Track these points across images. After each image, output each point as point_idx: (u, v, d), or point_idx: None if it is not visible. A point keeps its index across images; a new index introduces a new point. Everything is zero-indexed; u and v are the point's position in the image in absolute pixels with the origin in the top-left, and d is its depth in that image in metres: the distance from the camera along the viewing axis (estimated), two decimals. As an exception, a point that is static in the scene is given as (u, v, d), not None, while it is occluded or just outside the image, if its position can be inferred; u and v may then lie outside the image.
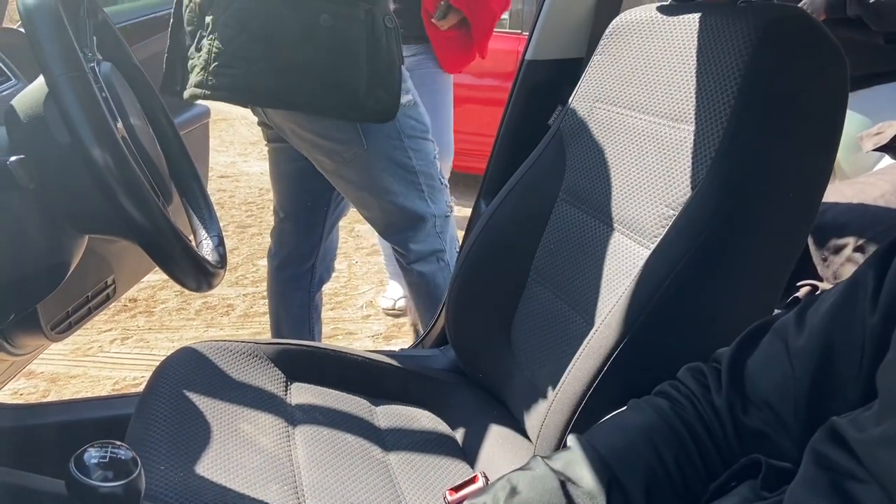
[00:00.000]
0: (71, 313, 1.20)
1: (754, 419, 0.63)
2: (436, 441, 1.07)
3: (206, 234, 1.09)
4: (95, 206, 0.87)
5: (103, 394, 2.02)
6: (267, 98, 1.32)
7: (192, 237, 1.08)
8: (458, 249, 1.54)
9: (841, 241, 1.23)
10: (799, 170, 0.83)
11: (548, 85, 1.31)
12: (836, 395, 0.56)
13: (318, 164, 1.45)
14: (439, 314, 1.41)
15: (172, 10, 1.40)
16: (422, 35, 2.35)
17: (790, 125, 0.82)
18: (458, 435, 1.09)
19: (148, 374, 1.06)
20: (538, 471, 0.66)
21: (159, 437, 0.91)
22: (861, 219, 1.23)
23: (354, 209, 2.22)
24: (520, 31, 3.68)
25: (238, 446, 0.93)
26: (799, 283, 1.28)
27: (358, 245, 3.20)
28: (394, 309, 2.54)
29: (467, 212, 1.62)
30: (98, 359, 2.21)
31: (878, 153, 1.42)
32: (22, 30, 0.82)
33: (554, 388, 0.90)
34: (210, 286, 0.92)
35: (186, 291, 0.95)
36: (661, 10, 0.97)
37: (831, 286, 1.17)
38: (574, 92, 1.08)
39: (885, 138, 1.36)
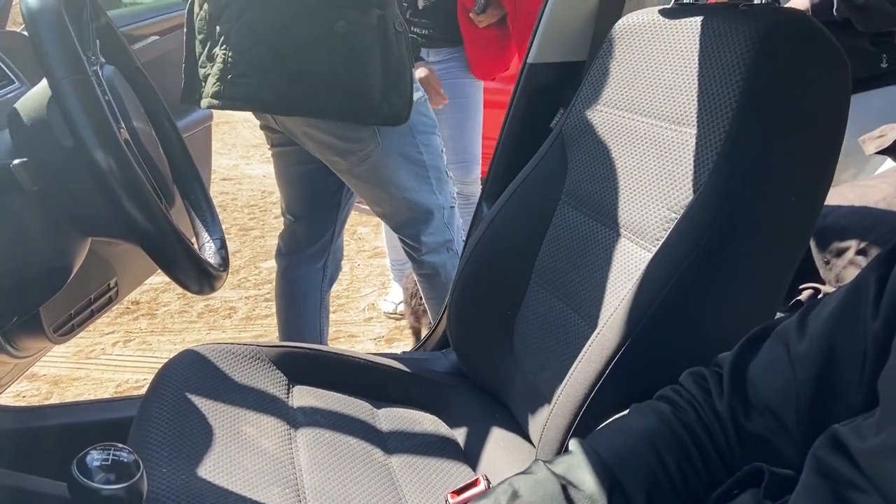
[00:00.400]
0: (73, 316, 1.20)
1: (756, 424, 0.63)
2: (437, 444, 1.07)
3: (208, 237, 1.09)
4: (98, 209, 0.87)
5: (106, 396, 2.02)
6: (283, 106, 1.33)
7: (194, 240, 1.08)
8: (463, 238, 1.55)
9: (843, 244, 1.22)
10: (801, 173, 0.83)
11: (550, 88, 1.31)
12: (838, 401, 0.56)
13: (332, 165, 1.46)
14: (441, 317, 1.41)
15: (185, 20, 1.41)
16: (453, 37, 2.24)
17: (792, 128, 0.82)
18: (460, 438, 1.09)
19: (150, 377, 1.06)
20: (540, 475, 0.65)
21: (161, 440, 0.91)
22: (863, 221, 1.23)
23: (355, 210, 2.23)
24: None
25: (240, 449, 0.93)
26: (801, 286, 1.27)
27: (360, 248, 3.20)
28: (395, 313, 2.54)
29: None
30: (100, 361, 2.22)
31: (867, 157, 1.42)
32: (25, 33, 0.82)
33: (555, 391, 0.90)
34: (212, 289, 0.92)
35: (189, 294, 0.95)
36: (663, 13, 0.97)
37: (833, 289, 1.17)
38: (576, 95, 1.08)
39: (887, 141, 1.35)
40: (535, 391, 1.01)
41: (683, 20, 0.92)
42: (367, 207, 1.85)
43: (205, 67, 1.36)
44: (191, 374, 1.04)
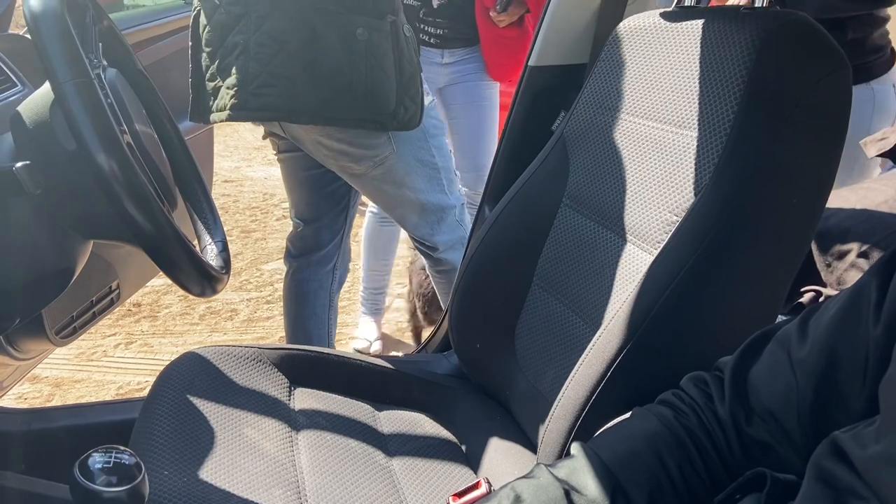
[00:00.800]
0: (75, 318, 1.20)
1: (758, 430, 0.63)
2: (439, 446, 1.07)
3: (210, 240, 1.09)
4: (100, 212, 0.87)
5: (107, 398, 2.02)
6: (308, 115, 1.32)
7: (196, 242, 1.08)
8: None
9: (845, 247, 1.22)
10: (803, 175, 0.83)
11: (551, 90, 1.31)
12: (839, 407, 0.56)
13: (344, 170, 1.46)
14: (442, 319, 1.41)
15: (190, 33, 1.40)
16: (468, 37, 2.19)
17: (793, 131, 0.82)
18: (462, 440, 1.09)
19: (152, 379, 1.06)
20: (542, 479, 0.65)
21: (163, 442, 0.91)
22: (865, 224, 1.23)
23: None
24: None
25: (241, 451, 0.93)
26: (803, 289, 1.27)
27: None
28: (369, 352, 2.27)
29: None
30: (102, 363, 2.22)
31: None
32: (28, 36, 0.82)
33: (557, 393, 0.90)
34: (214, 291, 0.92)
35: (190, 296, 0.95)
36: (665, 16, 0.97)
37: (835, 292, 1.17)
38: (577, 98, 1.08)
39: (888, 144, 1.35)
40: (537, 394, 1.01)
41: (684, 23, 0.92)
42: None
43: (214, 80, 1.35)
44: (192, 376, 1.04)
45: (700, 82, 0.87)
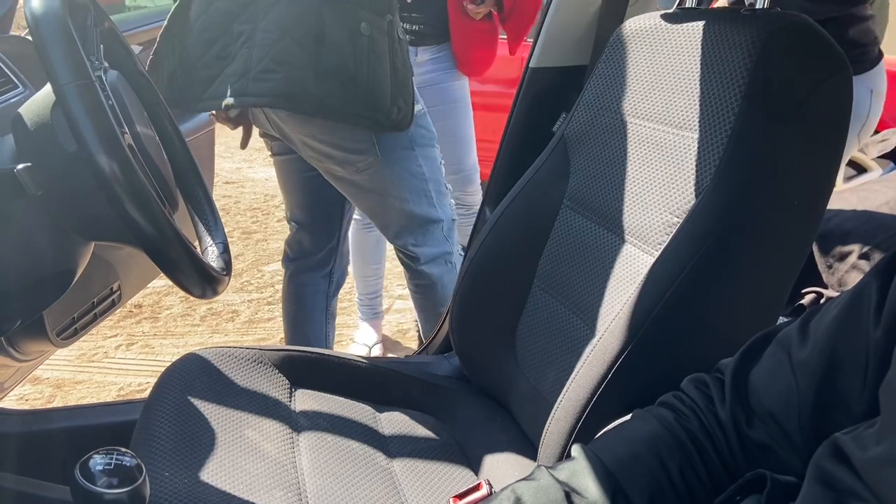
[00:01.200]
0: (76, 319, 1.20)
1: (759, 432, 0.63)
2: (440, 448, 1.07)
3: (211, 241, 1.09)
4: (101, 213, 0.87)
5: (108, 399, 2.02)
6: (308, 104, 1.31)
7: (197, 244, 1.08)
8: (461, 252, 1.55)
9: (846, 249, 1.23)
10: (803, 177, 0.83)
11: (552, 92, 1.31)
12: (840, 409, 0.56)
13: (329, 172, 1.45)
14: (443, 321, 1.41)
15: (172, 18, 1.37)
16: (441, 33, 2.17)
17: (794, 132, 0.82)
18: (463, 442, 1.09)
19: (153, 380, 1.06)
20: (543, 481, 0.65)
21: (164, 444, 0.91)
22: (866, 226, 1.23)
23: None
24: (525, 38, 3.68)
25: (242, 453, 0.93)
26: (804, 291, 1.27)
27: (362, 251, 3.20)
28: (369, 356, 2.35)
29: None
30: (103, 364, 2.22)
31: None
32: (29, 37, 0.82)
33: (558, 395, 0.90)
34: (215, 293, 0.92)
35: (191, 297, 0.95)
36: (666, 17, 0.97)
37: (836, 293, 1.17)
38: (578, 99, 1.08)
39: (890, 145, 1.35)
40: (538, 395, 1.01)
41: (685, 24, 0.92)
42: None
43: (210, 68, 1.33)
44: (193, 377, 1.04)
45: (701, 84, 0.87)
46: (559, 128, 1.19)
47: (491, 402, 1.15)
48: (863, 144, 1.50)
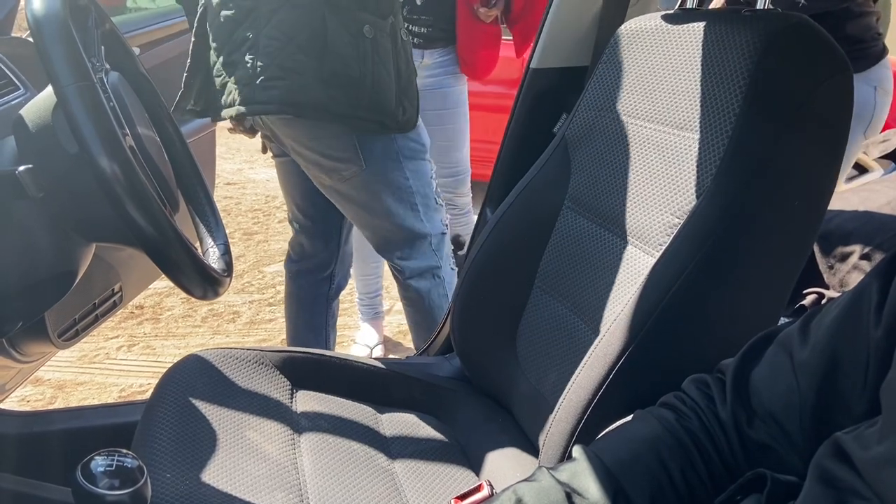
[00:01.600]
0: (78, 321, 1.21)
1: (760, 432, 0.63)
2: (441, 449, 1.07)
3: (212, 242, 1.09)
4: (103, 215, 0.87)
5: (110, 401, 2.02)
6: (315, 110, 1.31)
7: (198, 245, 1.08)
8: (453, 266, 1.54)
9: (847, 249, 1.23)
10: (804, 178, 0.83)
11: (553, 93, 1.31)
12: (840, 409, 0.56)
13: (316, 180, 1.46)
14: (444, 322, 1.41)
15: (195, 30, 1.39)
16: (449, 36, 2.16)
17: (795, 133, 0.82)
18: (464, 443, 1.09)
19: (154, 381, 1.06)
20: (544, 482, 0.65)
21: (165, 445, 0.91)
22: (867, 226, 1.23)
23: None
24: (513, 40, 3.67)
25: (243, 454, 0.93)
26: (805, 291, 1.27)
27: (363, 252, 3.20)
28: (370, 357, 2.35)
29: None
30: (105, 366, 2.22)
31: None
32: (30, 39, 0.83)
33: (559, 396, 0.90)
34: (216, 294, 0.92)
35: (193, 299, 0.95)
36: (666, 18, 0.97)
37: (837, 294, 1.17)
38: (579, 100, 1.08)
39: (891, 146, 1.35)
40: (539, 396, 1.01)
41: (686, 25, 0.92)
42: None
43: (221, 76, 1.34)
44: (194, 378, 1.04)
45: (702, 84, 0.87)
46: (560, 129, 1.19)
47: (492, 403, 1.15)
48: (865, 144, 1.50)
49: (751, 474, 0.59)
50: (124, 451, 0.70)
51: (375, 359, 1.24)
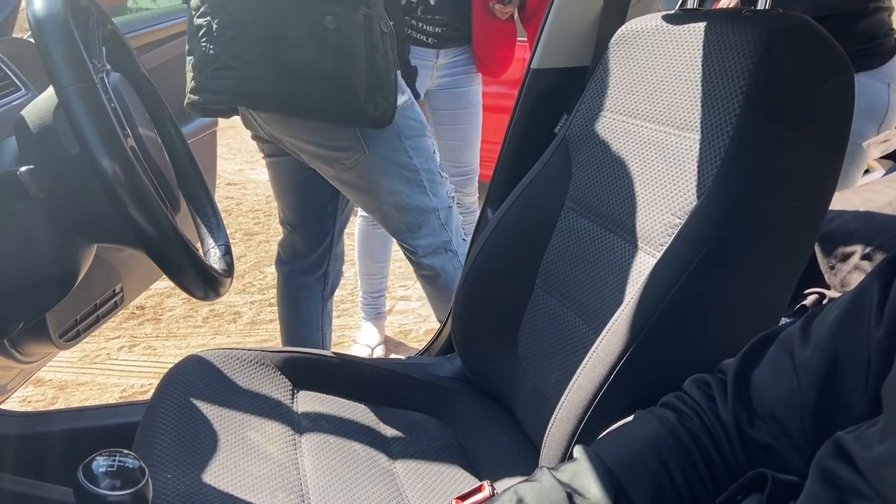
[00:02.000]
0: (79, 321, 1.21)
1: (761, 432, 0.63)
2: (442, 449, 1.07)
3: (213, 243, 1.09)
4: (104, 216, 0.87)
5: (111, 401, 2.02)
6: (268, 102, 1.29)
7: (199, 245, 1.08)
8: (464, 237, 1.54)
9: (848, 249, 1.22)
10: (805, 178, 0.83)
11: (553, 93, 1.31)
12: (842, 409, 0.56)
13: (321, 171, 1.45)
14: (445, 322, 1.41)
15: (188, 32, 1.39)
16: (465, 35, 2.15)
17: (796, 133, 0.82)
18: (465, 443, 1.09)
19: (155, 382, 1.06)
20: (545, 482, 0.65)
21: (166, 446, 0.91)
22: (868, 226, 1.23)
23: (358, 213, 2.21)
24: (527, 40, 3.68)
25: (245, 454, 0.93)
26: (806, 291, 1.27)
27: (364, 252, 3.20)
28: (371, 358, 2.28)
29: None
30: (106, 366, 2.22)
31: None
32: (31, 40, 0.83)
33: (560, 396, 0.90)
34: (217, 295, 0.92)
35: (194, 299, 0.95)
36: (667, 18, 0.97)
37: (838, 294, 1.16)
38: (580, 100, 1.08)
39: (892, 146, 1.35)
40: (540, 396, 1.01)
41: (687, 26, 0.92)
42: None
43: (186, 65, 1.32)
44: (196, 379, 1.04)
45: (703, 85, 0.87)
46: (561, 129, 1.19)
47: (493, 403, 1.15)
48: (867, 144, 1.49)
49: (752, 474, 0.59)
50: (125, 451, 0.70)
51: (376, 359, 1.24)
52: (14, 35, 1.33)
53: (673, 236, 0.84)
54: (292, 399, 1.09)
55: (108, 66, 0.99)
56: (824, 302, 1.23)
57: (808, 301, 1.25)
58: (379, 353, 2.32)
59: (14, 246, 0.89)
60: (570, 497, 0.63)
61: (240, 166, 4.50)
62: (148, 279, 1.51)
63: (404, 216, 1.45)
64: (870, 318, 0.55)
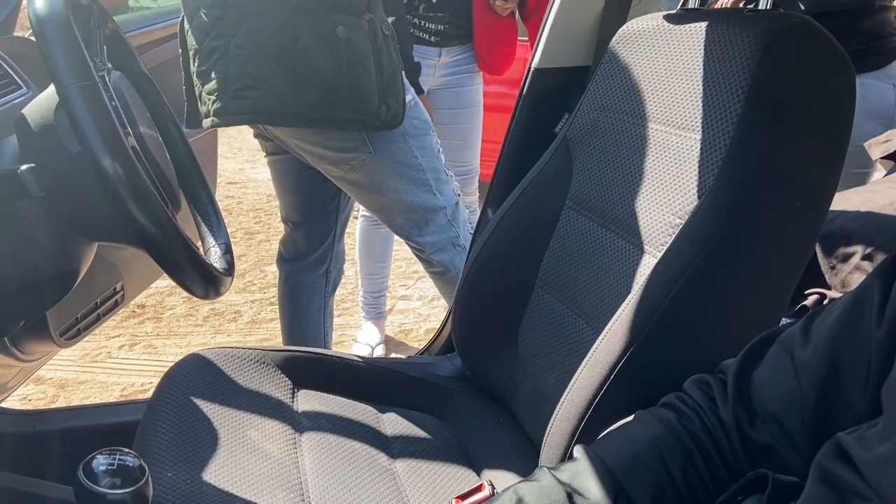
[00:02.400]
0: (80, 319, 1.21)
1: (761, 433, 0.63)
2: (442, 448, 1.07)
3: (213, 242, 1.09)
4: (105, 215, 0.87)
5: (111, 400, 2.03)
6: (290, 117, 1.30)
7: (199, 244, 1.08)
8: (471, 231, 1.54)
9: (849, 250, 1.22)
10: (806, 178, 0.83)
11: (554, 93, 1.31)
12: (842, 410, 0.56)
13: (326, 172, 1.45)
14: (445, 321, 1.41)
15: (179, 39, 1.38)
16: (467, 33, 2.14)
17: (797, 133, 0.82)
18: (465, 442, 1.09)
19: (156, 380, 1.06)
20: (545, 482, 0.65)
21: (167, 444, 0.91)
22: (869, 227, 1.23)
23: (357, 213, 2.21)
24: (528, 39, 3.67)
25: (245, 453, 0.93)
26: (807, 291, 1.27)
27: (365, 251, 3.20)
28: (372, 357, 2.29)
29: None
30: (106, 365, 2.22)
31: None
32: (32, 38, 0.83)
33: (560, 396, 0.90)
34: (217, 294, 0.92)
35: (194, 298, 0.95)
36: (668, 18, 0.97)
37: (839, 295, 1.16)
38: (581, 100, 1.08)
39: (893, 146, 1.35)
40: (540, 396, 1.01)
41: (688, 25, 0.92)
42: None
43: (196, 86, 1.33)
44: (196, 378, 1.05)
45: (704, 85, 0.87)
46: (561, 129, 1.19)
47: (493, 402, 1.15)
48: (868, 145, 1.49)
49: (752, 475, 0.59)
50: (126, 450, 0.70)
51: (377, 358, 1.24)
52: (15, 33, 1.33)
53: (673, 236, 0.84)
54: (292, 398, 1.09)
55: (110, 65, 1.00)
56: (825, 302, 1.23)
57: (809, 301, 1.25)
58: (379, 352, 2.32)
59: (15, 244, 0.89)
60: (569, 497, 0.63)
61: (241, 165, 4.50)
62: (149, 277, 1.51)
63: (410, 215, 1.46)
64: (870, 319, 0.55)
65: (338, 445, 1.01)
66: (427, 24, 2.13)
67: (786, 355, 0.63)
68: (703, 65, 0.87)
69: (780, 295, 0.86)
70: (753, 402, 0.64)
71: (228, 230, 1.15)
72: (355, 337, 2.40)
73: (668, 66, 0.93)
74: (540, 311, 1.07)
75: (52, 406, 1.97)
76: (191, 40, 1.33)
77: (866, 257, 1.20)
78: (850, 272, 1.21)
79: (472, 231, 1.54)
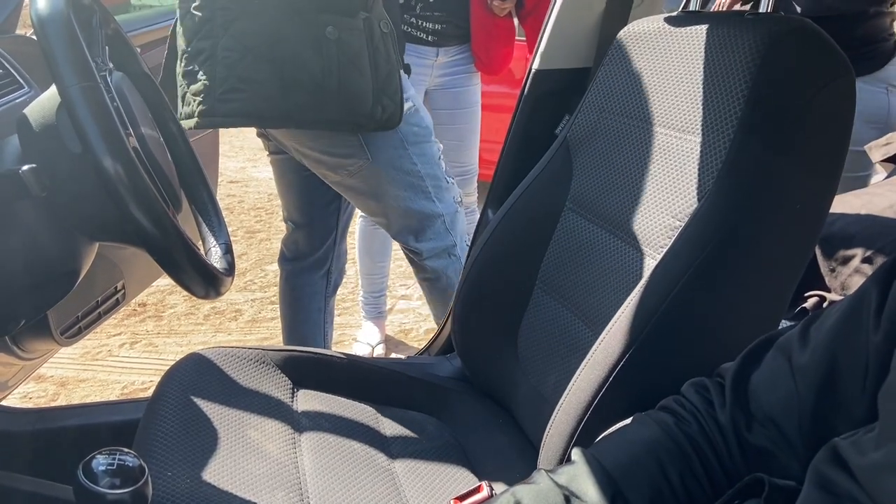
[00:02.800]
0: (81, 318, 1.21)
1: (759, 436, 0.63)
2: (441, 449, 1.07)
3: (214, 242, 1.09)
4: (106, 214, 0.87)
5: (112, 398, 2.03)
6: (279, 119, 1.30)
7: (200, 244, 1.08)
8: (468, 243, 1.54)
9: (849, 252, 1.22)
10: (806, 181, 0.83)
11: (555, 94, 1.31)
12: (840, 414, 0.56)
13: (324, 177, 1.45)
14: (445, 322, 1.41)
15: (169, 40, 1.38)
16: (464, 33, 2.14)
17: (797, 136, 0.82)
18: (464, 443, 1.09)
19: (156, 379, 1.07)
20: (542, 485, 0.66)
21: (166, 444, 0.91)
22: (869, 230, 1.23)
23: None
24: (525, 39, 3.67)
25: (244, 453, 0.93)
26: (807, 294, 1.27)
27: (366, 250, 3.20)
28: (372, 356, 2.28)
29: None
30: (107, 363, 2.23)
31: None
32: (34, 37, 0.83)
33: (559, 397, 0.90)
34: (218, 293, 0.92)
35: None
36: (669, 20, 0.97)
37: (839, 297, 1.17)
38: (581, 102, 1.08)
39: (893, 149, 1.35)
40: (539, 397, 1.01)
41: (689, 28, 0.92)
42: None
43: (181, 86, 1.32)
44: (196, 377, 1.05)
45: (704, 87, 0.87)
46: (562, 130, 1.19)
47: (492, 403, 1.15)
48: (869, 147, 1.49)
49: (749, 479, 0.60)
50: (126, 449, 0.70)
51: (376, 358, 1.24)
52: (17, 32, 1.33)
53: (673, 238, 0.84)
54: (292, 397, 1.10)
55: (111, 65, 1.00)
56: (825, 305, 1.24)
57: (809, 304, 1.25)
58: (379, 351, 2.32)
59: (16, 244, 0.89)
60: (567, 500, 0.64)
61: (242, 164, 4.50)
62: (149, 276, 1.51)
63: (407, 221, 1.45)
64: (868, 323, 0.55)
65: (337, 445, 1.01)
66: (424, 24, 2.12)
67: (783, 359, 0.63)
68: (704, 67, 0.88)
69: (779, 297, 0.86)
70: (751, 406, 0.64)
71: (229, 228, 1.15)
72: (355, 336, 2.41)
73: (669, 69, 0.93)
74: (539, 312, 1.07)
75: (53, 404, 1.98)
76: (180, 41, 1.32)
77: (866, 260, 1.20)
78: (850, 275, 1.21)
79: (471, 236, 1.54)
